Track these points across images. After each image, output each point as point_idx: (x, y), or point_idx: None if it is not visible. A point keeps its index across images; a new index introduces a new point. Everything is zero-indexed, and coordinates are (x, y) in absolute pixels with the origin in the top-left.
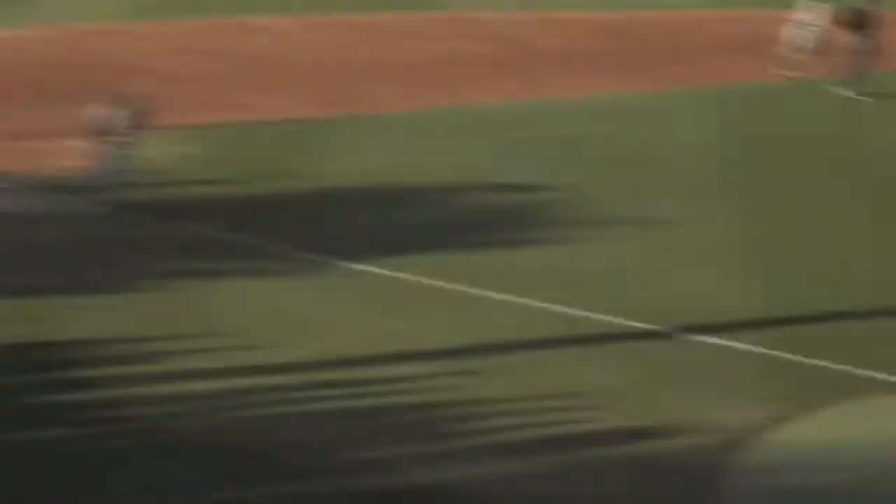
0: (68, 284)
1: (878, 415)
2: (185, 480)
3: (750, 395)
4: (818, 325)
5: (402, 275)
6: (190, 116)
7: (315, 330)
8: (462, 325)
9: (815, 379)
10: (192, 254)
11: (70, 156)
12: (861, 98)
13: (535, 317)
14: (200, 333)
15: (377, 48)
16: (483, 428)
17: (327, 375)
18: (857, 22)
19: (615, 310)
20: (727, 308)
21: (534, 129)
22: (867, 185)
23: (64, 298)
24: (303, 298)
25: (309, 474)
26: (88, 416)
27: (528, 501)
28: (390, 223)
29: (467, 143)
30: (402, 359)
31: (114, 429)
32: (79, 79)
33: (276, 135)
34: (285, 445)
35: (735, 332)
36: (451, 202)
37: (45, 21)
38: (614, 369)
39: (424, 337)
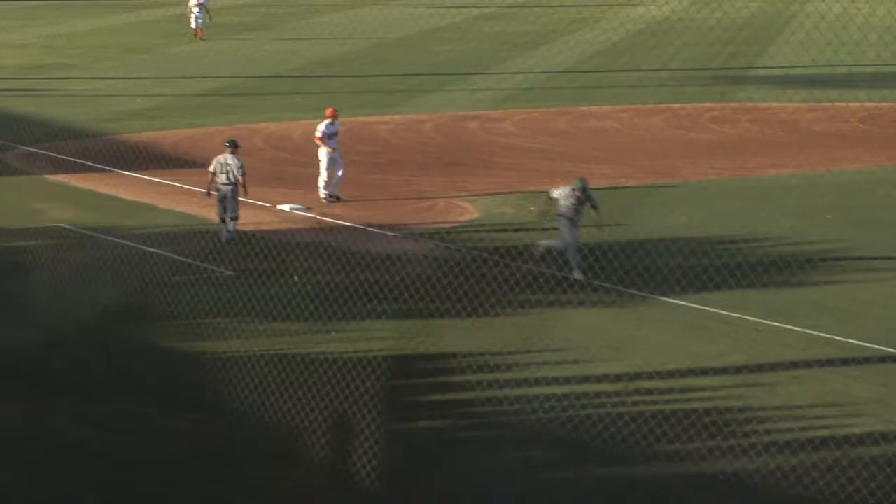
0: (441, 310)
1: None
2: (528, 463)
3: None
4: None
5: (705, 307)
6: (541, 183)
7: (634, 349)
8: (753, 348)
9: None
10: (538, 287)
11: (451, 212)
12: None
13: (812, 342)
14: (542, 349)
15: (688, 130)
16: (765, 429)
17: (643, 384)
18: None
19: (876, 338)
20: None
21: (809, 196)
22: None
23: (438, 320)
24: (624, 324)
25: (629, 462)
26: (454, 412)
27: (796, 491)
28: (696, 266)
29: (756, 206)
30: (703, 373)
31: (474, 422)
32: (458, 153)
33: (608, 196)
34: (611, 438)
35: None
36: (743, 251)
37: (431, 110)
38: (873, 386)
39: (722, 356)
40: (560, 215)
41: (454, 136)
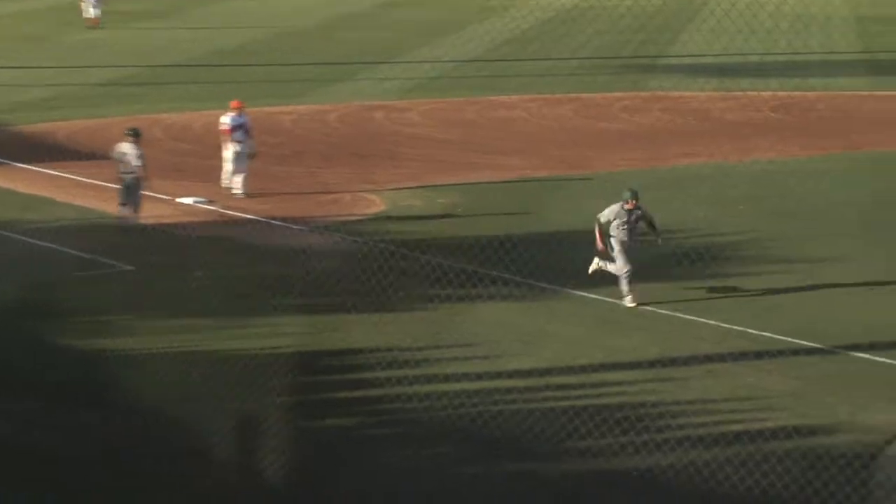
0: (348, 304)
1: None
2: (437, 460)
3: None
4: None
5: (618, 301)
6: (448, 174)
7: (545, 343)
8: (666, 342)
9: None
10: (447, 282)
11: (357, 204)
12: None
13: (725, 335)
14: (452, 344)
15: (598, 120)
16: (678, 424)
17: (555, 380)
18: None
19: (789, 331)
20: (883, 330)
21: (722, 186)
22: None
23: (345, 316)
24: (535, 318)
25: (540, 458)
26: (363, 409)
27: (710, 486)
28: None
29: (667, 197)
30: (616, 368)
31: (382, 419)
32: (363, 144)
33: (516, 189)
34: (520, 435)
35: (891, 350)
36: (655, 243)
37: (337, 100)
38: (787, 378)
39: (635, 350)
40: (611, 237)
41: (360, 126)
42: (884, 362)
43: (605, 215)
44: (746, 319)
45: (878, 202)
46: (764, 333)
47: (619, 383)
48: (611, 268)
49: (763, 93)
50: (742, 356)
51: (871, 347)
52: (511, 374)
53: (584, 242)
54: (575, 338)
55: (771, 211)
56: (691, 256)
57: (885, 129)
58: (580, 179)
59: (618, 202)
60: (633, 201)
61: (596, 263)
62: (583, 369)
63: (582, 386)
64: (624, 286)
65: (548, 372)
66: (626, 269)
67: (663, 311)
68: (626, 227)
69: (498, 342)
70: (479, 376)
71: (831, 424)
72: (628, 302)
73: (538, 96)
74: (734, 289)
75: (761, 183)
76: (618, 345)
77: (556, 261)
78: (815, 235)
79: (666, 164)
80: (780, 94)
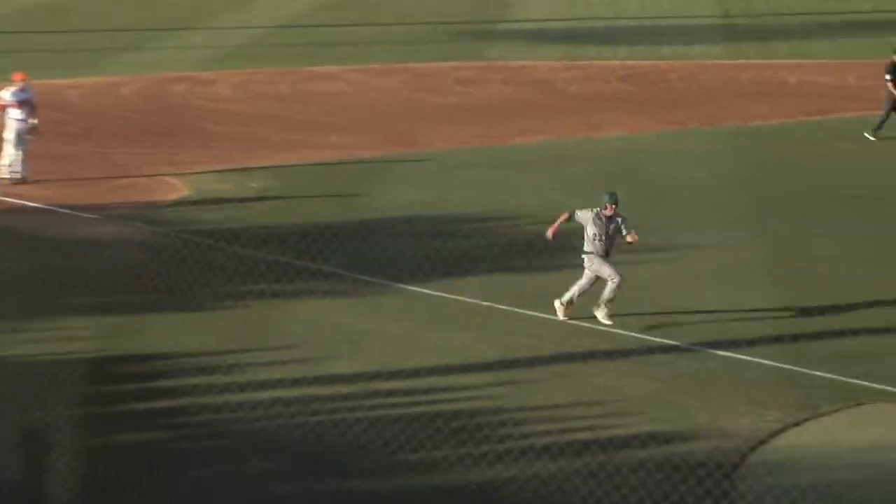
0: (150, 303)
1: (878, 422)
2: (248, 477)
3: (763, 403)
4: (825, 340)
5: (448, 295)
6: (261, 155)
7: (372, 344)
8: (506, 341)
9: (823, 389)
10: (260, 276)
11: (157, 189)
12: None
13: (573, 333)
14: (267, 347)
15: (429, 93)
16: (521, 433)
17: (383, 385)
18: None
19: (643, 327)
20: (743, 325)
21: (568, 166)
22: (873, 215)
23: (144, 315)
24: (360, 316)
25: (368, 473)
26: (165, 422)
27: (559, 500)
28: (437, 249)
29: (506, 178)
30: (451, 370)
31: (188, 433)
32: (163, 121)
33: (339, 171)
34: (344, 447)
35: (750, 347)
36: (493, 231)
37: (132, 71)
38: (641, 379)
39: (472, 351)
40: (584, 254)
41: (159, 101)
42: (746, 360)
43: (578, 214)
44: (594, 316)
45: (736, 181)
46: (615, 330)
47: (455, 388)
48: (573, 290)
49: (611, 61)
50: (591, 355)
51: (733, 344)
52: (334, 380)
53: (414, 231)
54: (405, 337)
55: (622, 193)
56: (533, 246)
57: (744, 102)
58: (411, 161)
59: (590, 208)
60: (613, 206)
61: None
62: (415, 372)
63: (413, 391)
64: (566, 297)
65: (375, 376)
66: (585, 287)
67: (502, 307)
68: (602, 239)
69: (319, 343)
70: (298, 382)
71: (690, 430)
72: (604, 318)
73: (363, 67)
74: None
75: (610, 162)
76: (453, 345)
77: (384, 251)
78: (669, 220)
79: (506, 141)
80: (630, 62)
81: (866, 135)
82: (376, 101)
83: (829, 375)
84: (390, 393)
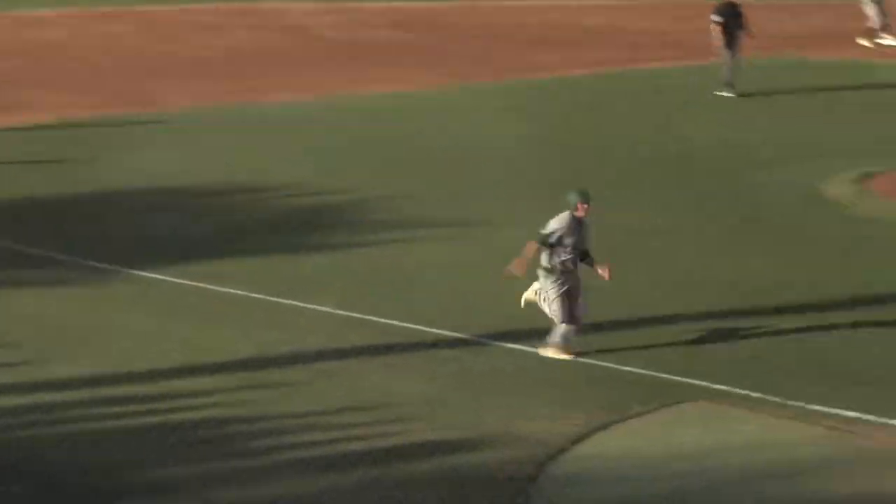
0: None
1: (696, 423)
2: None
3: (565, 405)
4: (639, 330)
5: (192, 283)
6: None
7: (100, 342)
8: (264, 335)
9: (636, 387)
10: None
11: None
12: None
13: (343, 325)
14: None
15: (164, 41)
16: (281, 444)
17: (113, 390)
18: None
19: (423, 317)
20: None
21: (328, 127)
22: (683, 177)
23: None
24: (86, 309)
25: (91, 497)
26: None
27: None
28: (175, 228)
29: (258, 143)
30: (194, 371)
31: None
32: None
33: (55, 136)
34: (65, 466)
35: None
36: (241, 206)
37: None
38: (422, 379)
39: (218, 347)
40: (548, 271)
41: None
42: (540, 355)
43: (552, 230)
44: (367, 305)
45: (525, 146)
46: (392, 322)
47: (202, 392)
48: (547, 308)
49: (381, 4)
50: (365, 351)
51: (529, 336)
52: (54, 386)
53: (151, 207)
54: (141, 333)
55: (393, 161)
56: (293, 223)
57: (542, 49)
58: (143, 123)
59: (561, 215)
60: (586, 205)
61: (533, 291)
62: (152, 375)
63: (150, 398)
64: (557, 337)
65: (105, 380)
66: (569, 324)
67: (258, 296)
68: (571, 250)
69: (35, 342)
70: (9, 389)
71: (479, 437)
72: (559, 354)
73: (81, 10)
74: (350, 264)
75: (378, 123)
76: (199, 341)
77: (113, 232)
78: (453, 194)
79: (255, 99)
80: (400, 5)
81: (722, 93)
82: (99, 51)
83: (643, 371)
84: (123, 400)
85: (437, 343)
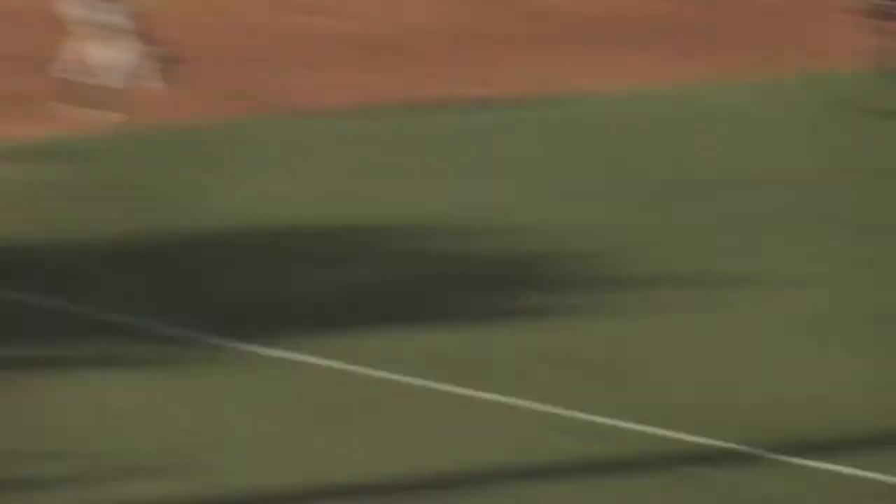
0: None
1: None
2: None
3: None
4: None
5: (327, 362)
6: None
7: (199, 451)
8: (433, 442)
9: None
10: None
11: None
12: None
13: (544, 428)
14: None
15: (298, 12)
16: None
17: None
18: None
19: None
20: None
21: (538, 137)
22: None
23: None
24: (174, 402)
25: None
26: None
27: None
28: (307, 282)
29: (431, 161)
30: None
31: None
32: None
33: (137, 149)
34: None
35: None
36: (404, 251)
37: None
38: None
39: (372, 458)
40: None
41: None
42: None
43: None
44: (590, 399)
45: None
46: (624, 425)
47: None
48: None
49: None
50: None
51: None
52: None
53: (265, 249)
54: (259, 440)
55: (628, 190)
56: (471, 276)
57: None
58: (266, 131)
59: None
60: None
61: None
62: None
63: None
64: None
65: None
66: None
67: (429, 383)
68: None
69: (93, 448)
70: None
71: None
72: None
73: None
74: (555, 339)
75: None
76: (344, 450)
77: (213, 288)
78: (714, 234)
79: (433, 94)
80: None
81: None
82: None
83: None
84: None
85: (695, 455)
